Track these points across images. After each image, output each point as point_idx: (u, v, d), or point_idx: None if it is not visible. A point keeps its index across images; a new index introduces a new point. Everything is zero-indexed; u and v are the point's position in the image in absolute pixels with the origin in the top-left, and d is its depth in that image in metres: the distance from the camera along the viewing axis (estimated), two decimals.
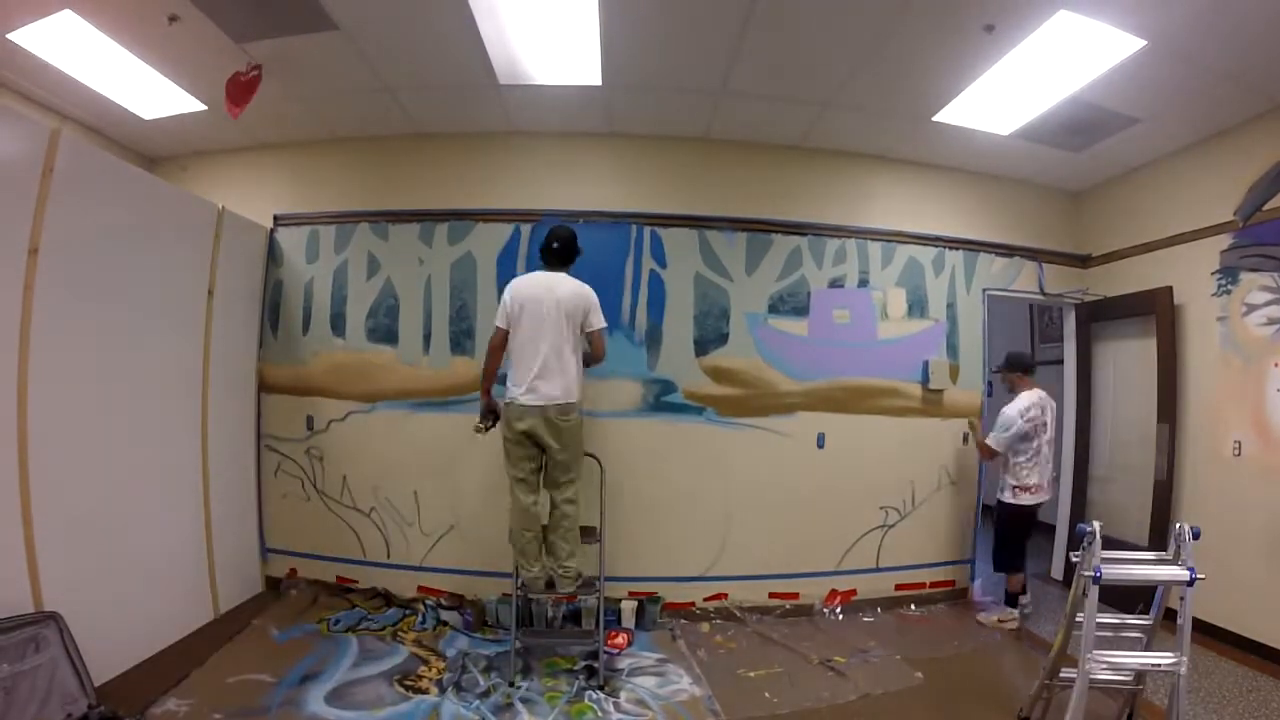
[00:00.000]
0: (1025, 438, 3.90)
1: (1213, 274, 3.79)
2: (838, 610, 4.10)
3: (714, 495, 4.08)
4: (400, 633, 3.57)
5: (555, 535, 3.22)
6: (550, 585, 3.20)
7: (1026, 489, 3.91)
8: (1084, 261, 4.74)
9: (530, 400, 3.05)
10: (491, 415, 3.27)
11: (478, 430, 3.29)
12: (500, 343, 3.18)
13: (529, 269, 4.03)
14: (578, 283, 3.22)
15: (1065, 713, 2.37)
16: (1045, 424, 3.96)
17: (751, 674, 3.28)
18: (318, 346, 4.17)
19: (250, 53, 3.26)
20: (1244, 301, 3.62)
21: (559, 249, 3.26)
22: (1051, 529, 5.02)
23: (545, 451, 3.15)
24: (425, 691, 2.96)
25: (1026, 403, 3.95)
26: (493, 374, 3.24)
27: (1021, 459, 3.92)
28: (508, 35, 3.13)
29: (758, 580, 4.10)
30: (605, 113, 3.94)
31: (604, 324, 3.25)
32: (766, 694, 3.08)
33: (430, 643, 3.48)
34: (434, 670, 3.16)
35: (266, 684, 2.96)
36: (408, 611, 3.79)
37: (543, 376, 3.06)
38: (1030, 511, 3.98)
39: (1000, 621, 3.93)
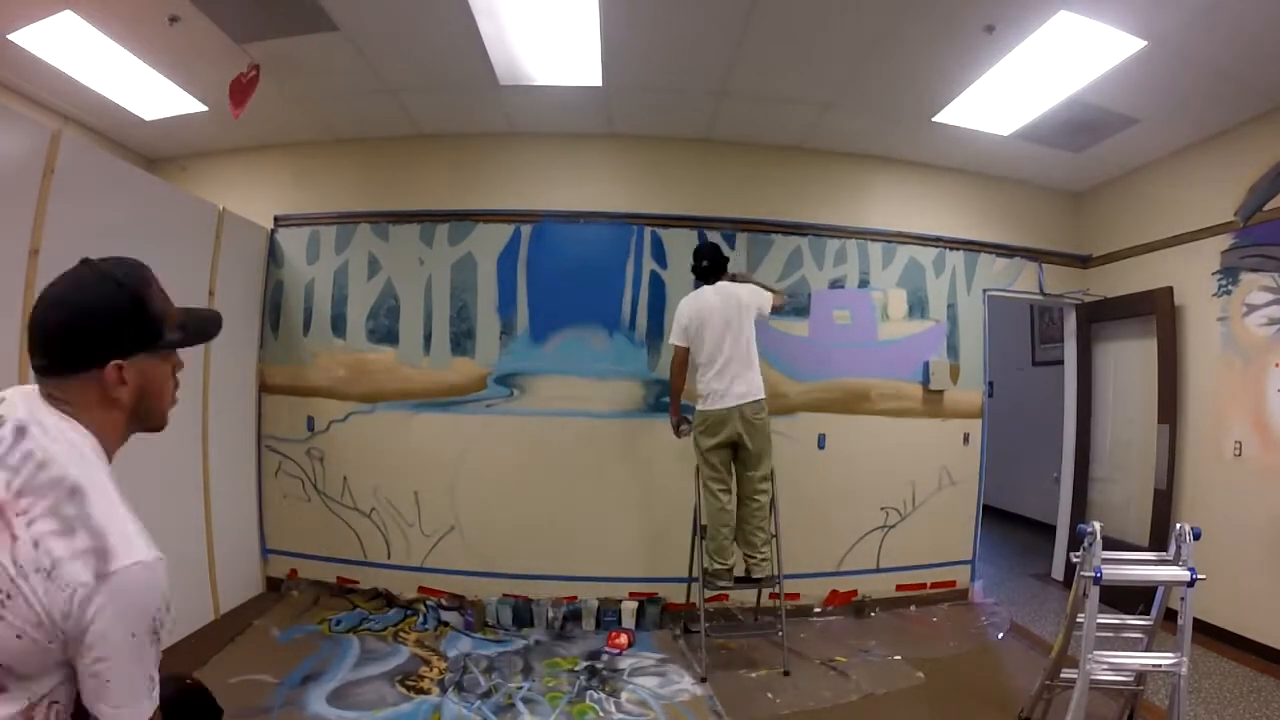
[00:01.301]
0: None
1: (1213, 274, 3.79)
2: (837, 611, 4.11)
3: None
4: (401, 633, 3.57)
5: (750, 526, 3.39)
6: (740, 578, 3.42)
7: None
8: (1084, 262, 4.74)
9: (725, 405, 3.29)
10: (685, 423, 3.56)
11: (681, 435, 3.59)
12: (683, 359, 3.45)
13: (530, 270, 4.07)
14: (742, 286, 3.47)
15: (1066, 713, 2.36)
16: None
17: (753, 675, 3.28)
18: (318, 347, 4.17)
19: (251, 53, 3.26)
20: (1244, 302, 3.62)
21: (709, 265, 3.50)
22: (1051, 529, 5.03)
23: (739, 450, 3.35)
24: (427, 692, 2.96)
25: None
26: (680, 389, 3.50)
27: None
28: (508, 35, 3.13)
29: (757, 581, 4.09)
30: (606, 113, 3.94)
31: (773, 290, 3.56)
32: (769, 694, 3.08)
33: (432, 643, 3.48)
34: (435, 670, 3.16)
35: (268, 684, 2.97)
36: (409, 612, 3.79)
37: (734, 380, 3.30)
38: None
39: None
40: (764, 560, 3.38)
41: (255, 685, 2.96)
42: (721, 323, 3.33)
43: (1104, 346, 4.69)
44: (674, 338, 3.45)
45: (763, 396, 3.36)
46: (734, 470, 3.43)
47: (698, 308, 3.39)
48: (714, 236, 4.12)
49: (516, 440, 4.01)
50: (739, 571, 3.42)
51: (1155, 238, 4.19)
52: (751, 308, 3.41)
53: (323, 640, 3.47)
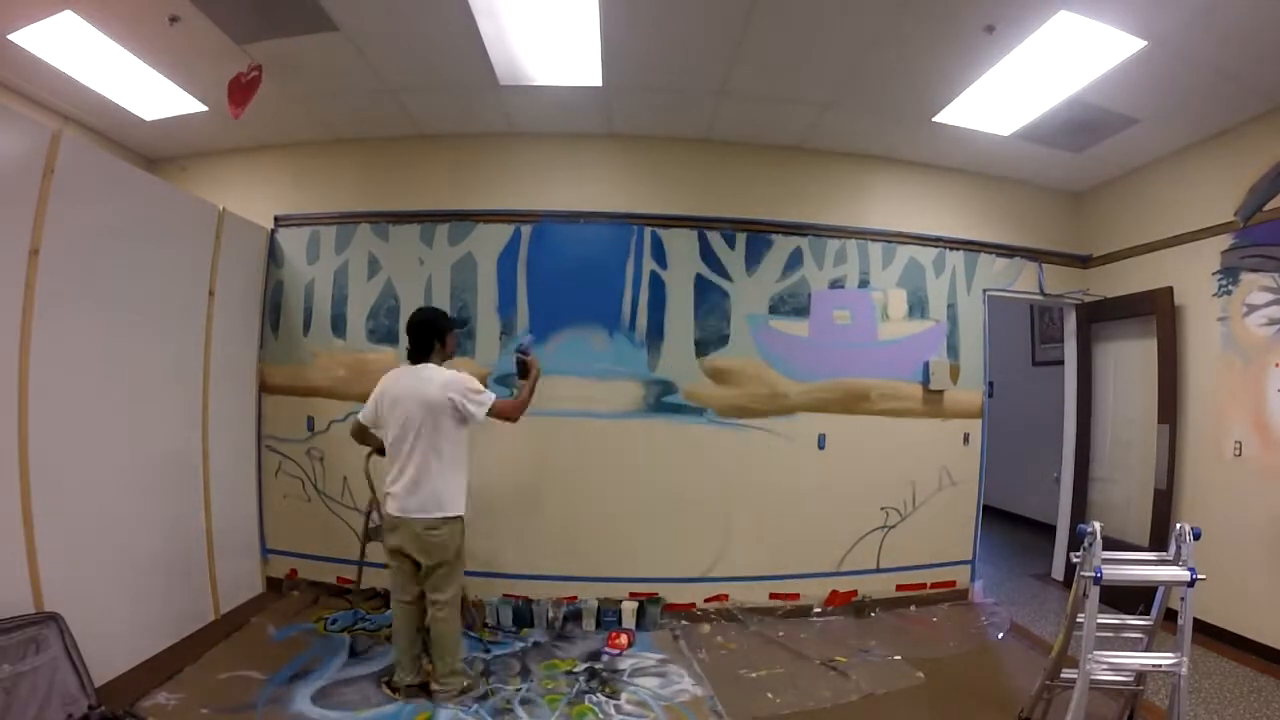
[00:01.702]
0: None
1: (1213, 274, 3.79)
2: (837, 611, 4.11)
3: (714, 496, 4.08)
4: None
5: (436, 648, 2.93)
6: (410, 685, 2.95)
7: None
8: (1084, 262, 4.74)
9: (394, 513, 2.80)
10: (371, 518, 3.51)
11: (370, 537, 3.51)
12: (357, 432, 3.05)
13: (530, 270, 4.08)
14: (438, 372, 2.85)
15: (1066, 713, 2.36)
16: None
17: (754, 675, 3.28)
18: (318, 347, 4.17)
19: (251, 53, 3.26)
20: (1245, 302, 3.62)
21: (410, 346, 2.93)
22: (1051, 529, 5.02)
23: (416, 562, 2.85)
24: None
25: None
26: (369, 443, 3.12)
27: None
28: (508, 36, 3.13)
29: (758, 581, 4.10)
30: (606, 113, 3.94)
31: (489, 400, 2.85)
32: (769, 694, 3.08)
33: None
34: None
35: (256, 681, 2.98)
36: None
37: (406, 487, 2.78)
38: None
39: None
40: (450, 686, 2.87)
41: (244, 681, 2.97)
42: (404, 416, 2.79)
43: (1104, 346, 4.69)
44: (364, 414, 2.98)
45: (443, 515, 2.78)
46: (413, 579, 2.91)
47: (387, 386, 2.90)
48: (715, 236, 4.12)
49: (517, 440, 4.00)
50: (410, 680, 2.95)
51: (1155, 238, 4.19)
52: (448, 411, 2.77)
53: (317, 639, 3.47)
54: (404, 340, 2.98)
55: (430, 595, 2.88)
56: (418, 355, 2.91)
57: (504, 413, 2.92)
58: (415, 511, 2.76)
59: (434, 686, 2.90)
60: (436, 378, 2.81)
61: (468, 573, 3.84)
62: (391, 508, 2.82)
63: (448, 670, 2.90)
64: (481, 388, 2.87)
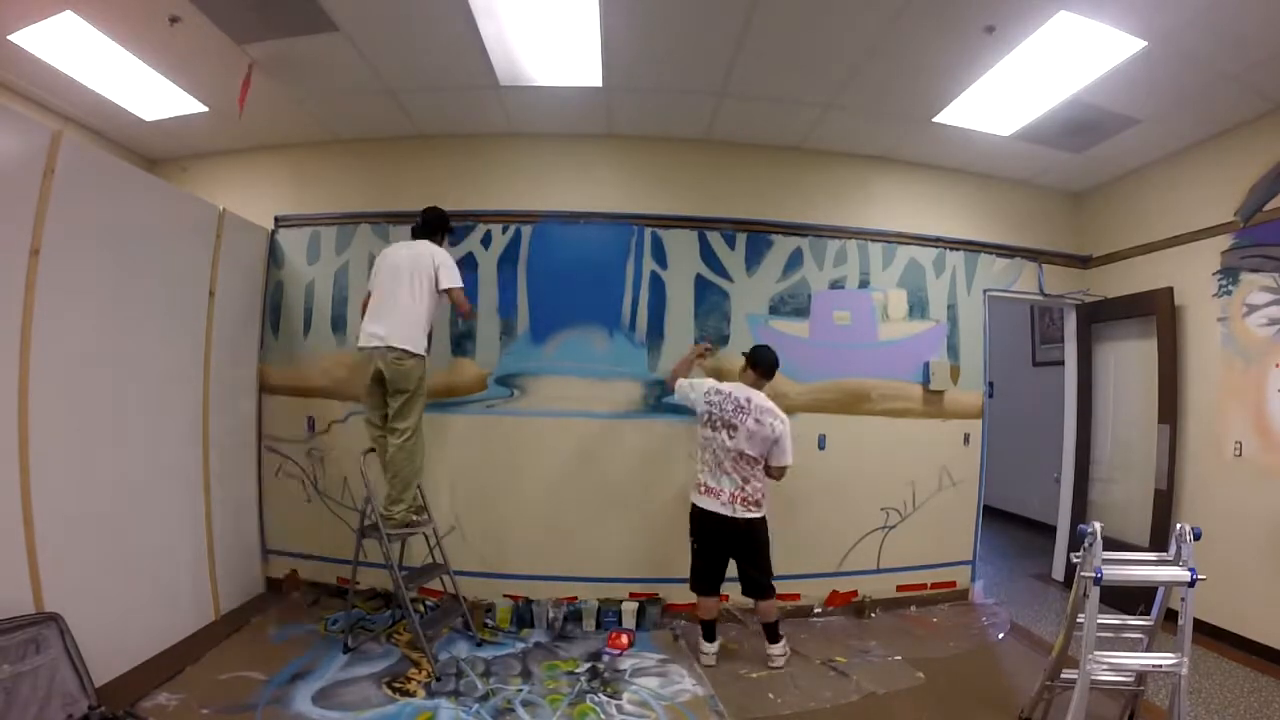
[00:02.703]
0: (701, 422, 3.36)
1: (1213, 274, 3.79)
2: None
3: None
4: (395, 634, 3.56)
5: (388, 472, 3.42)
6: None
7: (698, 486, 3.35)
8: (1085, 262, 4.74)
9: (364, 345, 3.28)
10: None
11: None
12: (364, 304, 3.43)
13: (530, 270, 4.08)
14: (439, 252, 3.39)
15: (1066, 714, 2.36)
16: (727, 422, 3.26)
17: (754, 675, 3.28)
18: (319, 348, 4.17)
19: (251, 54, 3.27)
20: (1245, 302, 3.62)
21: (420, 225, 3.53)
22: (1052, 529, 5.02)
23: (385, 386, 3.30)
24: (413, 694, 2.96)
25: (725, 388, 3.36)
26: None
27: (699, 449, 3.41)
28: (508, 36, 3.14)
29: None
30: (606, 114, 3.94)
31: (456, 283, 3.34)
32: (770, 695, 3.09)
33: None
34: (424, 673, 3.15)
35: (257, 681, 2.98)
36: (404, 612, 3.78)
37: (377, 322, 3.27)
38: (702, 516, 3.31)
39: (698, 651, 3.46)
40: (393, 513, 3.34)
41: (245, 682, 2.97)
42: (394, 270, 3.31)
43: (1104, 347, 4.69)
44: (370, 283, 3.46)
45: (405, 348, 3.22)
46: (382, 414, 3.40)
47: (385, 253, 3.44)
48: (715, 236, 4.12)
49: (517, 441, 4.01)
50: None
51: (1155, 238, 4.19)
52: (428, 273, 3.30)
53: (318, 639, 3.48)
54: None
55: (391, 424, 3.33)
56: (421, 233, 3.47)
57: (458, 299, 3.37)
58: (384, 340, 3.20)
59: (381, 512, 3.31)
60: (430, 249, 3.35)
61: (468, 573, 3.86)
62: (365, 341, 3.26)
63: (395, 498, 3.35)
64: (458, 275, 3.37)
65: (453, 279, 3.33)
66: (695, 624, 3.87)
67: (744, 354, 3.48)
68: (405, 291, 3.25)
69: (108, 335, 2.91)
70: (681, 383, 3.48)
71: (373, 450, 3.45)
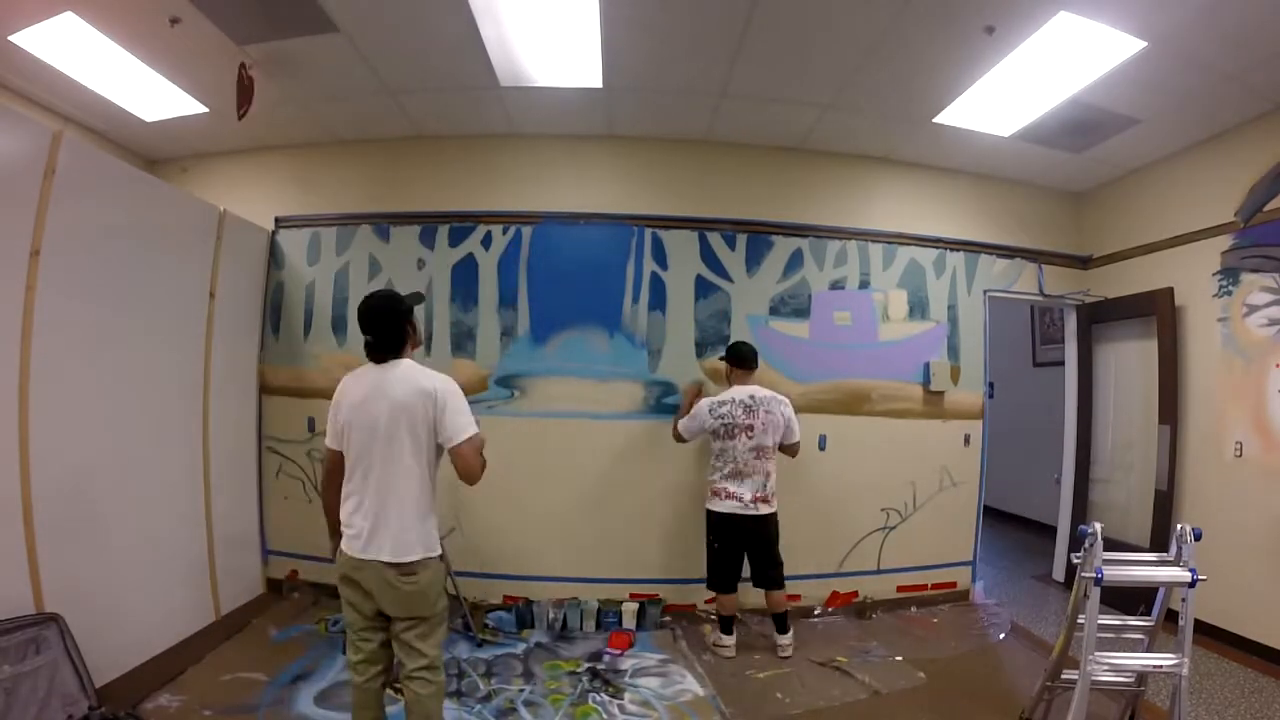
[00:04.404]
0: (715, 435, 3.47)
1: (1214, 275, 3.79)
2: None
3: None
4: None
5: None
6: None
7: (717, 493, 3.47)
8: (1085, 263, 4.74)
9: (358, 555, 2.13)
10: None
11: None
12: (334, 466, 2.25)
13: (530, 271, 4.07)
14: (418, 369, 2.22)
15: (1067, 714, 2.36)
16: (743, 426, 3.42)
17: (760, 675, 3.28)
18: (319, 349, 4.17)
19: (251, 55, 3.27)
20: (1245, 302, 3.62)
21: (373, 340, 2.22)
22: (1052, 530, 5.02)
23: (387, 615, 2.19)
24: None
25: (724, 397, 3.50)
26: (330, 509, 2.29)
27: (713, 459, 3.53)
28: (508, 37, 3.14)
29: None
30: (606, 114, 3.94)
31: (471, 430, 2.15)
32: (778, 694, 3.09)
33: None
34: None
35: (259, 683, 2.99)
36: None
37: (375, 521, 2.11)
38: (723, 519, 3.46)
39: (715, 645, 3.58)
40: None
41: (246, 683, 2.98)
42: (371, 428, 2.13)
43: (1105, 347, 4.69)
44: (327, 437, 2.28)
45: (419, 558, 2.11)
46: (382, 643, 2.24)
47: (345, 392, 2.26)
48: (715, 237, 4.12)
49: (517, 441, 4.01)
50: None
51: (1156, 238, 4.19)
52: (425, 421, 2.12)
53: (318, 640, 3.48)
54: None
55: (409, 664, 2.17)
56: (384, 346, 2.21)
57: (470, 463, 2.14)
58: (385, 557, 2.09)
59: None
60: (417, 377, 2.17)
61: (468, 574, 3.86)
62: (347, 546, 2.16)
63: None
64: (470, 414, 2.19)
65: (467, 426, 2.14)
66: (696, 625, 3.89)
67: (721, 359, 3.66)
68: (399, 462, 2.11)
69: (108, 336, 2.91)
70: (683, 423, 3.60)
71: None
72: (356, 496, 2.16)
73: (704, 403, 3.51)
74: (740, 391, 3.47)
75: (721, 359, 3.63)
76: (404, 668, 2.20)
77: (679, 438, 3.65)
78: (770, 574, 3.51)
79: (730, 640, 3.54)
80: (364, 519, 2.12)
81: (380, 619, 2.19)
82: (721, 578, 3.53)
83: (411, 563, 2.10)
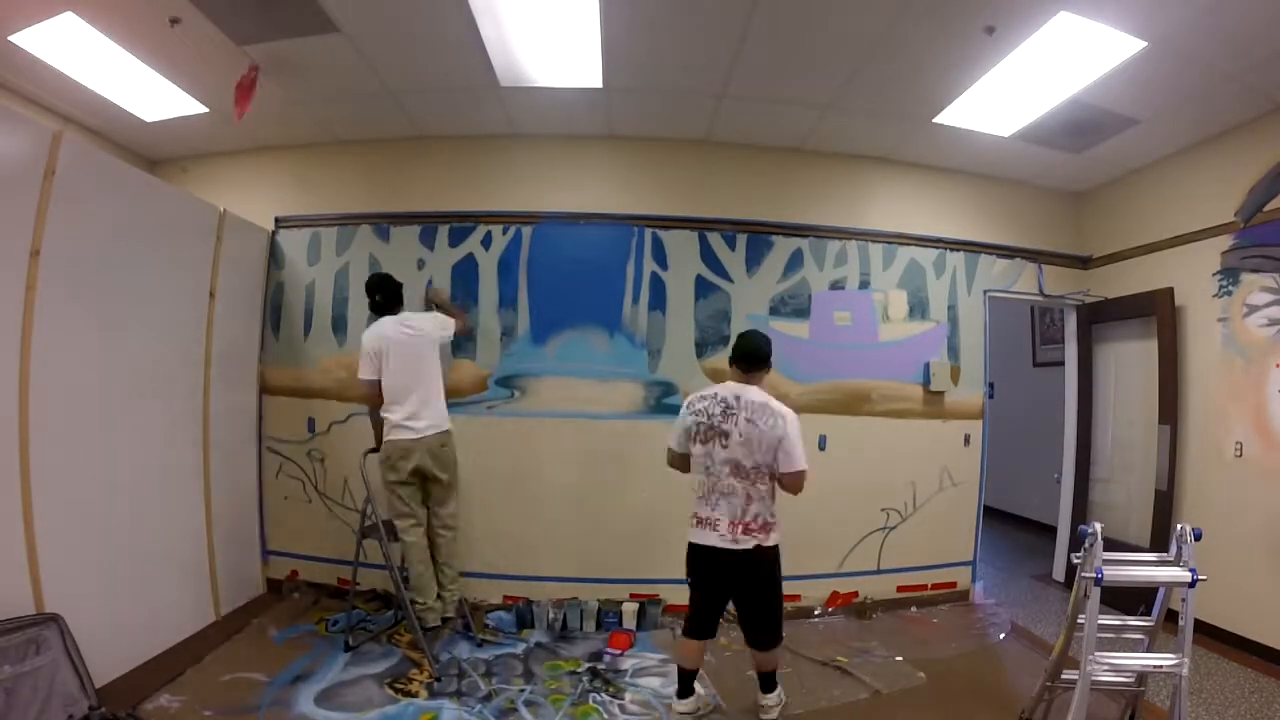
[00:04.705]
0: (692, 438, 2.71)
1: (1214, 275, 3.79)
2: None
3: None
4: (396, 635, 3.55)
5: (438, 563, 3.47)
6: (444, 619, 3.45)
7: (691, 518, 2.71)
8: (1085, 263, 4.74)
9: (408, 437, 3.27)
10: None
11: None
12: (376, 391, 3.33)
13: (530, 271, 4.07)
14: (425, 317, 3.53)
15: (1067, 714, 2.36)
16: (717, 429, 2.64)
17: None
18: (319, 349, 4.17)
19: (251, 55, 3.26)
20: (1245, 302, 3.62)
21: (382, 299, 3.48)
22: (1052, 530, 5.02)
23: (428, 483, 3.39)
24: (415, 695, 2.96)
25: (708, 391, 2.77)
26: (378, 424, 3.40)
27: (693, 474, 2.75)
28: (509, 37, 3.14)
29: None
30: (606, 115, 3.94)
31: (454, 325, 3.59)
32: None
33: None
34: (425, 674, 3.15)
35: (259, 683, 2.98)
36: (405, 614, 3.78)
37: (417, 411, 3.29)
38: (694, 551, 2.71)
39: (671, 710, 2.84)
40: (450, 600, 3.45)
41: (247, 683, 2.97)
42: (402, 356, 3.31)
43: (1105, 347, 4.69)
44: (363, 372, 3.33)
45: (448, 428, 3.40)
46: (423, 504, 3.42)
47: (378, 338, 3.33)
48: (715, 237, 4.12)
49: (518, 441, 4.01)
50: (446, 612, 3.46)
51: (1156, 238, 4.19)
52: (434, 339, 3.43)
53: (318, 641, 3.47)
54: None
55: (442, 512, 3.44)
56: (387, 309, 3.45)
57: (462, 321, 3.72)
58: (430, 428, 3.29)
59: (445, 594, 3.41)
60: (421, 319, 3.47)
61: (468, 573, 3.86)
62: (404, 435, 3.24)
63: (448, 585, 3.44)
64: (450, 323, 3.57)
65: (450, 322, 3.57)
66: None
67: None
68: (427, 369, 3.36)
69: (108, 336, 2.91)
70: (670, 439, 2.84)
71: (374, 451, 3.43)
72: (404, 399, 3.33)
73: (689, 397, 2.83)
74: (729, 388, 2.71)
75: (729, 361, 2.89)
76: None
77: (673, 459, 2.84)
78: (762, 631, 2.73)
79: (685, 705, 2.79)
80: (414, 414, 3.31)
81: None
82: (689, 622, 2.79)
83: (445, 430, 3.41)
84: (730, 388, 2.71)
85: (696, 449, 2.69)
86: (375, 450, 3.41)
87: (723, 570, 2.65)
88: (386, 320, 3.40)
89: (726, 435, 2.62)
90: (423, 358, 3.35)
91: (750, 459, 2.60)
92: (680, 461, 2.79)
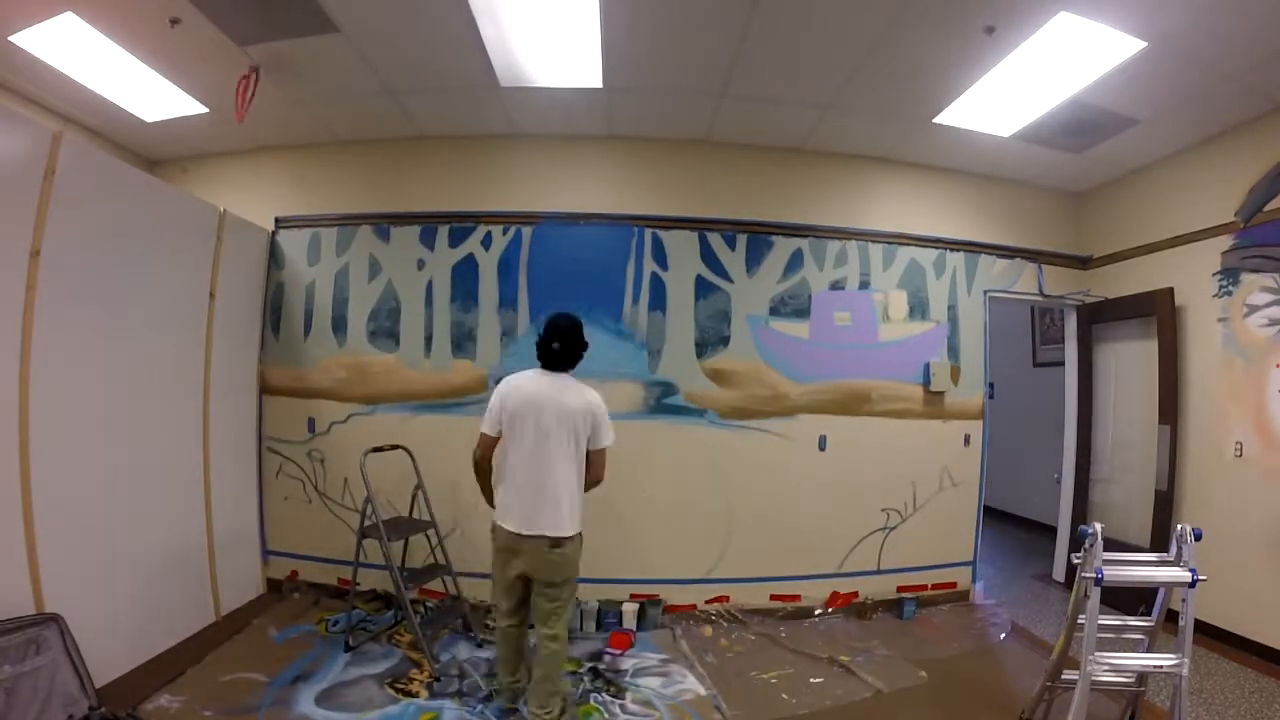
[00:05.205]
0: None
1: (1214, 275, 3.79)
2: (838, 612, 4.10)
3: (715, 497, 4.07)
4: (396, 635, 3.55)
5: (539, 675, 2.66)
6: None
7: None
8: (1085, 263, 4.74)
9: (515, 530, 2.58)
10: None
11: None
12: (488, 449, 2.68)
13: (530, 271, 4.07)
14: (584, 389, 2.68)
15: (1067, 714, 2.36)
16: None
17: (765, 676, 3.28)
18: (319, 349, 4.17)
19: (252, 55, 3.27)
20: (1245, 302, 3.62)
21: (560, 349, 2.65)
22: (1052, 530, 5.02)
23: (530, 582, 2.67)
24: (415, 695, 2.95)
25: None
26: (487, 488, 2.76)
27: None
28: (509, 37, 3.14)
29: (759, 583, 4.10)
30: (606, 115, 3.94)
31: (612, 440, 2.71)
32: (783, 695, 3.09)
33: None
34: (425, 674, 3.15)
35: (259, 683, 2.98)
36: (405, 614, 3.77)
37: (534, 503, 2.57)
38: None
39: None
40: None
41: (247, 683, 2.97)
42: (538, 418, 2.57)
43: (1105, 347, 4.69)
44: (485, 425, 2.67)
45: (570, 535, 2.59)
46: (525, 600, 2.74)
47: (517, 391, 2.63)
48: (715, 237, 4.12)
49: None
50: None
51: (1156, 238, 4.19)
52: (585, 426, 2.62)
53: (318, 641, 3.47)
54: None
55: (546, 625, 2.65)
56: (558, 362, 2.66)
57: (599, 469, 2.71)
58: (547, 531, 2.56)
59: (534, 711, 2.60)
60: (582, 394, 2.64)
61: (469, 574, 3.86)
62: (515, 526, 2.59)
63: (543, 703, 2.60)
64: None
65: (610, 436, 2.70)
66: (696, 625, 3.87)
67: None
68: (563, 456, 2.57)
69: (108, 336, 2.91)
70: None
71: (378, 450, 3.38)
72: (523, 483, 2.65)
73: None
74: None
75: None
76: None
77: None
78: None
79: None
80: (532, 508, 2.61)
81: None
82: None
83: (567, 537, 2.62)
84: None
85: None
86: (377, 450, 3.28)
87: None
88: (537, 375, 2.68)
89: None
90: (557, 434, 2.59)
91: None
92: None
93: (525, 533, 2.56)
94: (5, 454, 2.42)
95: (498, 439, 2.66)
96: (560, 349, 2.65)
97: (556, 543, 2.57)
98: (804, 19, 2.94)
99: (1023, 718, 2.79)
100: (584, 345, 2.72)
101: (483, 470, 2.72)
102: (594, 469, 2.69)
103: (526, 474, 2.57)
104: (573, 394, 2.62)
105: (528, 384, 2.64)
